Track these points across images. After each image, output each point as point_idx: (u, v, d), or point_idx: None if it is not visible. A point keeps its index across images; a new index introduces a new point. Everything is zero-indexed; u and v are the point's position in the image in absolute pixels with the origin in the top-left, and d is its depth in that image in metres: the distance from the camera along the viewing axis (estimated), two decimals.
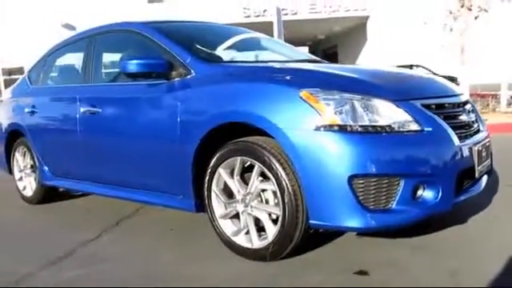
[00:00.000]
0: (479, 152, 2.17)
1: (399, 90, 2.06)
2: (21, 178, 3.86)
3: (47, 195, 3.69)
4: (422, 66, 15.45)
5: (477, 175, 2.16)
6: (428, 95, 2.13)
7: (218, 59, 2.72)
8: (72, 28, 16.54)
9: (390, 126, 1.88)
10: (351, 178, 1.81)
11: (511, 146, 5.48)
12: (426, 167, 1.90)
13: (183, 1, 16.97)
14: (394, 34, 16.75)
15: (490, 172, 2.44)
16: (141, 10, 16.77)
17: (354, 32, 19.94)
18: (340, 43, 22.61)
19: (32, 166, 3.72)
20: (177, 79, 2.43)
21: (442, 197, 1.92)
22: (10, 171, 4.02)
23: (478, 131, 2.34)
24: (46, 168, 3.51)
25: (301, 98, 1.92)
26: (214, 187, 2.24)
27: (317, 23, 18.74)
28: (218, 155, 2.20)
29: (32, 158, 3.65)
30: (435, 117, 2.00)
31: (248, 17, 17.29)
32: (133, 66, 2.40)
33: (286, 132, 1.92)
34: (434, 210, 1.93)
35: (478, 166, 2.16)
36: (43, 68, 3.79)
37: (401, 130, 1.89)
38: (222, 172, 2.20)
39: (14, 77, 18.84)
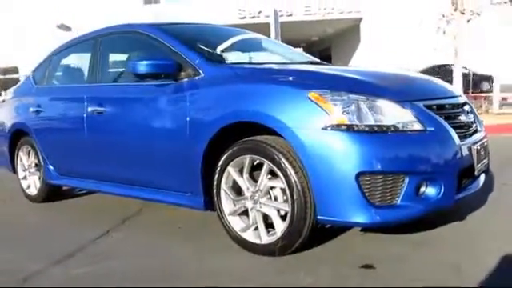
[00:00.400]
0: (478, 151, 2.27)
1: (403, 91, 2.16)
2: (25, 177, 3.89)
3: (51, 194, 3.74)
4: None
5: (476, 173, 2.26)
6: (430, 96, 2.23)
7: (225, 60, 2.79)
8: (67, 29, 16.52)
9: (394, 126, 1.97)
10: (358, 175, 1.89)
11: (504, 146, 5.61)
12: (429, 165, 1.99)
13: (179, 2, 17.01)
14: (387, 35, 16.93)
15: (488, 170, 2.54)
16: (136, 11, 16.79)
17: (348, 34, 20.10)
18: (334, 45, 22.79)
19: (36, 165, 3.76)
20: (185, 80, 2.50)
21: (444, 193, 2.01)
22: (14, 170, 4.05)
23: (476, 131, 2.44)
24: (51, 167, 3.55)
25: (309, 98, 2.00)
26: (223, 185, 2.31)
27: (311, 25, 18.89)
28: (227, 154, 2.27)
29: (37, 156, 3.69)
30: (437, 117, 2.09)
31: (243, 18, 17.38)
32: (143, 66, 2.46)
33: (295, 131, 1.99)
34: (436, 206, 2.03)
35: (477, 164, 2.26)
36: (48, 68, 3.83)
37: (405, 129, 1.99)
38: (231, 170, 2.27)
39: (8, 76, 18.74)
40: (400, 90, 2.15)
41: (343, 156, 1.91)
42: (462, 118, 2.33)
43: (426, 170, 1.99)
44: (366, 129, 1.94)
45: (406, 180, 1.95)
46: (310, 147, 1.96)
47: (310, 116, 1.99)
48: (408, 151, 1.98)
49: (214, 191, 2.35)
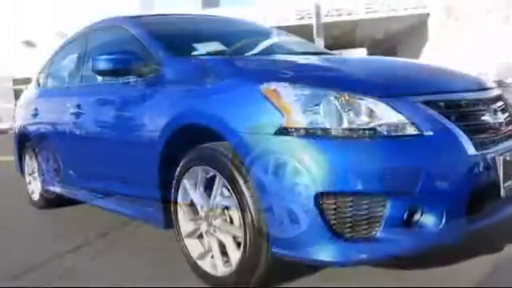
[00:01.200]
0: (507, 163, 1.62)
1: (393, 84, 1.64)
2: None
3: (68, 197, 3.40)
4: None
5: (503, 194, 1.63)
6: (435, 90, 1.66)
7: (193, 53, 2.37)
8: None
9: (374, 130, 1.45)
10: (318, 197, 1.39)
11: None
12: (424, 183, 1.43)
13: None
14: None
15: None
16: None
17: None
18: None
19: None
20: (150, 76, 2.14)
21: (446, 224, 1.45)
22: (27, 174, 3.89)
23: (510, 136, 1.76)
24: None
25: (261, 94, 1.54)
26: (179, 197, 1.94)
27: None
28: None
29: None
30: (442, 117, 1.53)
31: None
32: (102, 62, 2.14)
33: (243, 137, 1.55)
34: (434, 242, 1.47)
35: (505, 182, 1.63)
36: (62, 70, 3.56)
37: (390, 134, 1.46)
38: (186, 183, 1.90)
39: (6, 85, 18.78)
40: (389, 83, 1.63)
41: (299, 170, 1.41)
42: (486, 118, 1.70)
43: (419, 190, 1.43)
44: (334, 133, 1.44)
45: (388, 204, 1.41)
46: (258, 158, 1.49)
47: (260, 117, 1.53)
48: (393, 163, 1.43)
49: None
